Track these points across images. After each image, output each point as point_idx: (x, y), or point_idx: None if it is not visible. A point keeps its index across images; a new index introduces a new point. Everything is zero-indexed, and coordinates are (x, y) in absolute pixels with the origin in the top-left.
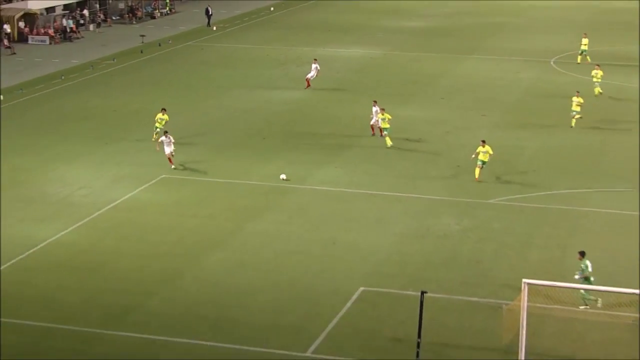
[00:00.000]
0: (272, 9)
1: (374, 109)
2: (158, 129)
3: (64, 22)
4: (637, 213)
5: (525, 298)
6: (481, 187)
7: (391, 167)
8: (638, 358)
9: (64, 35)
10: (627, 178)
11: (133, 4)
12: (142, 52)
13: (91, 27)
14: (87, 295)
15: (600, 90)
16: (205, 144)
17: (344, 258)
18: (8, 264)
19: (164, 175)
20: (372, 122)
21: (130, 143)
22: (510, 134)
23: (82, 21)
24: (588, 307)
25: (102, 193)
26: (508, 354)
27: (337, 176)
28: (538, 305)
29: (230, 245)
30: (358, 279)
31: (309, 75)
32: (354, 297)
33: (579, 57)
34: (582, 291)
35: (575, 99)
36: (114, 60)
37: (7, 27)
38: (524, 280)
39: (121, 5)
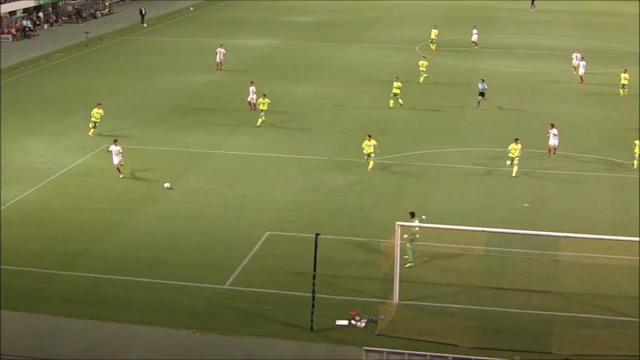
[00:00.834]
0: (191, 8)
1: (251, 88)
2: (96, 123)
3: (24, 22)
4: (483, 167)
5: (398, 237)
6: (360, 148)
7: (289, 134)
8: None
9: (24, 33)
10: (476, 140)
11: (79, 7)
12: (87, 45)
13: (45, 26)
14: (45, 243)
15: (425, 75)
16: (138, 119)
17: (253, 208)
18: None
19: (105, 145)
20: (248, 99)
21: (78, 119)
22: (385, 106)
23: (38, 21)
24: (412, 263)
25: (56, 160)
26: (386, 281)
27: (246, 142)
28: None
29: (160, 201)
30: (265, 225)
31: (218, 59)
32: (262, 239)
33: (431, 45)
34: (408, 247)
35: (395, 83)
36: (64, 52)
37: None
38: (397, 222)
39: (69, 8)
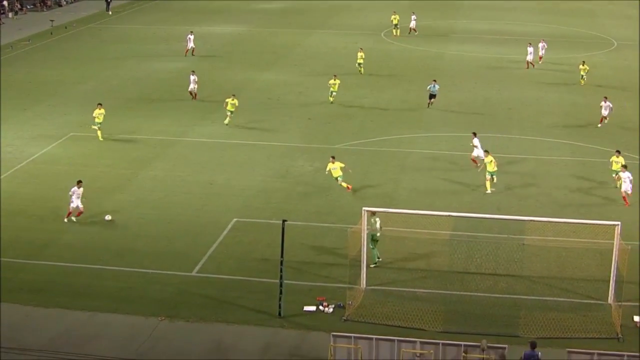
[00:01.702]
0: None
1: (192, 77)
2: (99, 124)
3: None
4: (447, 152)
5: (365, 222)
6: (328, 134)
7: (255, 120)
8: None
9: None
10: (442, 125)
11: None
12: (52, 34)
13: (10, 14)
14: (13, 233)
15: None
16: (105, 107)
17: (220, 195)
18: None
19: (72, 134)
20: (189, 89)
21: (44, 108)
22: (351, 93)
23: (2, 10)
24: (380, 259)
25: (23, 149)
26: (353, 267)
27: (212, 130)
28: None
29: (127, 189)
30: (232, 212)
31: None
32: (229, 226)
33: (394, 30)
34: (373, 250)
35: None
36: (29, 41)
37: None
38: (363, 208)
39: None
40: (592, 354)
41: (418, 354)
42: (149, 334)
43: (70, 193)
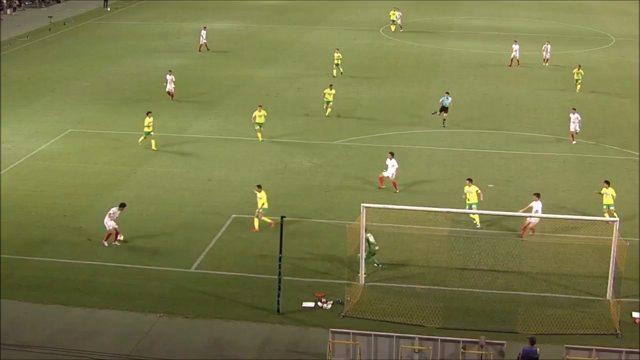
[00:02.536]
0: None
1: (168, 77)
2: (152, 133)
3: None
4: (446, 148)
5: (364, 218)
6: (327, 130)
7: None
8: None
9: None
10: (441, 121)
11: None
12: (50, 30)
13: (8, 11)
14: (11, 229)
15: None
16: (104, 103)
17: (218, 191)
18: None
19: (70, 130)
20: (167, 89)
21: (43, 104)
22: (350, 89)
23: (0, 6)
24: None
25: (21, 146)
26: (352, 263)
27: (211, 126)
28: (374, 223)
29: (126, 185)
30: (230, 208)
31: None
32: (228, 222)
33: (392, 27)
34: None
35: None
36: (27, 37)
37: None
38: (362, 204)
39: None
40: (591, 350)
41: (417, 350)
42: (148, 330)
43: (111, 213)
